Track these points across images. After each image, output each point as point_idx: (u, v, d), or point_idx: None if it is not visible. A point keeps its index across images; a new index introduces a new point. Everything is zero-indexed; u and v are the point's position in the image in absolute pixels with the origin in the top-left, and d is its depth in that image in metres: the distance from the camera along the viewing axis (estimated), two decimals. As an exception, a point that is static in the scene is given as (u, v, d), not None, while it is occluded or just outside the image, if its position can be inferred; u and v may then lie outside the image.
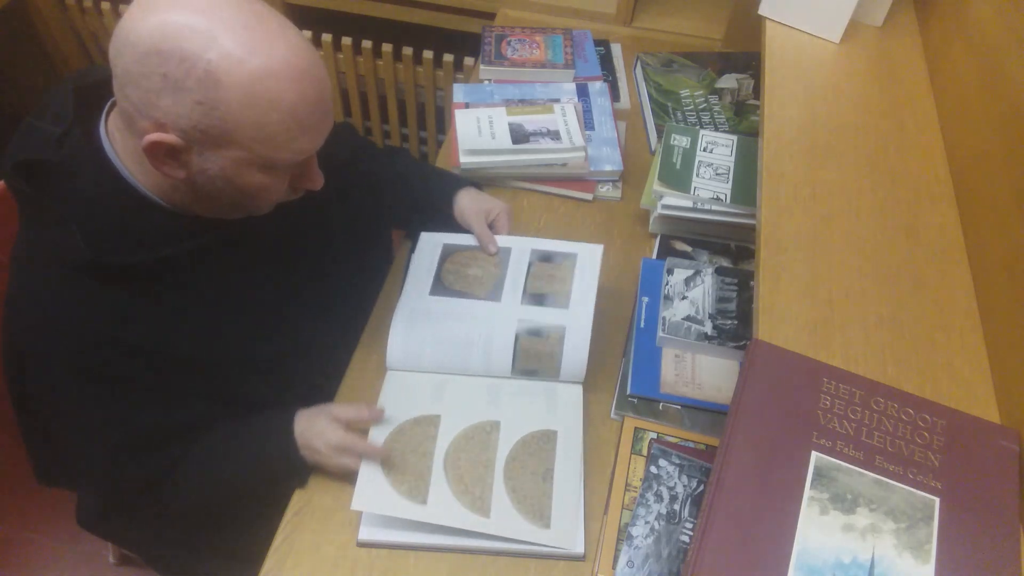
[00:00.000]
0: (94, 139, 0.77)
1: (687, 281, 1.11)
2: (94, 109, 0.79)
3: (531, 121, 1.31)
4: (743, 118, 1.38)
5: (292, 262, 0.96)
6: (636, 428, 0.98)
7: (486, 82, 1.47)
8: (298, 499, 0.92)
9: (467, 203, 1.13)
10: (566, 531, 0.89)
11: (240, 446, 0.92)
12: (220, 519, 1.02)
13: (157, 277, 0.81)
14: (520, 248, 1.12)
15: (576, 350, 1.01)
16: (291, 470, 0.92)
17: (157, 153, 0.71)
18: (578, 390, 1.02)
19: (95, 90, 0.80)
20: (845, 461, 0.65)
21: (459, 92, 1.40)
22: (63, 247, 0.75)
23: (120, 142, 0.77)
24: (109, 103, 0.79)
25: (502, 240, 1.12)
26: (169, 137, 0.69)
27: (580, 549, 0.88)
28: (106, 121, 0.78)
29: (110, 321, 0.79)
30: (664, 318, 1.07)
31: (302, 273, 0.98)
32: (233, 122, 0.69)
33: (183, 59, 0.66)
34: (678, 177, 1.18)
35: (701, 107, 1.41)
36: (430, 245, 1.14)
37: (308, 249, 0.99)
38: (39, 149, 0.76)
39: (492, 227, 1.13)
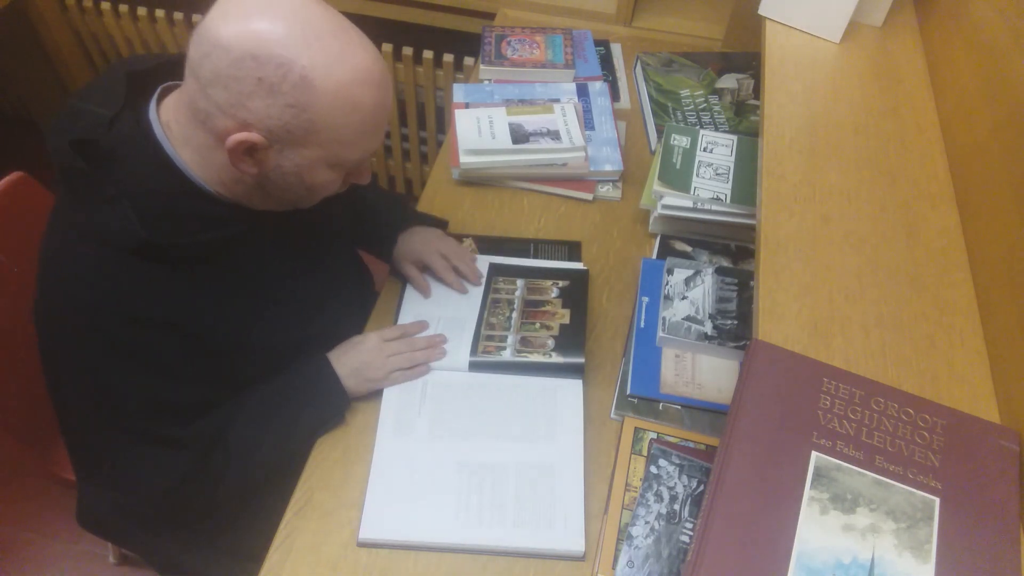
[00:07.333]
0: (144, 124, 0.79)
1: (687, 281, 1.11)
2: (143, 95, 0.81)
3: (531, 121, 1.31)
4: (743, 118, 1.38)
5: (317, 252, 1.00)
6: (636, 428, 0.98)
7: (486, 82, 1.47)
8: (298, 499, 0.92)
9: (401, 251, 1.14)
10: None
11: (285, 393, 0.96)
12: (221, 518, 1.02)
13: (198, 260, 0.83)
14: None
15: None
16: (336, 404, 0.98)
17: (238, 151, 0.75)
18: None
19: (145, 77, 0.83)
20: (845, 461, 0.65)
21: (459, 92, 1.40)
22: (116, 226, 0.77)
23: (177, 131, 0.79)
24: (160, 89, 0.82)
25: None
26: (254, 136, 0.73)
27: (580, 549, 0.88)
28: (157, 107, 0.81)
29: (151, 300, 0.81)
30: (664, 318, 1.07)
31: (328, 262, 1.02)
32: (320, 123, 0.74)
33: (280, 64, 0.70)
34: (678, 177, 1.18)
35: (701, 107, 1.41)
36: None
37: (324, 241, 1.02)
38: (91, 130, 0.78)
39: (456, 269, 1.13)
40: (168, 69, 0.84)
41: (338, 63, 0.72)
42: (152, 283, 0.80)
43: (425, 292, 1.11)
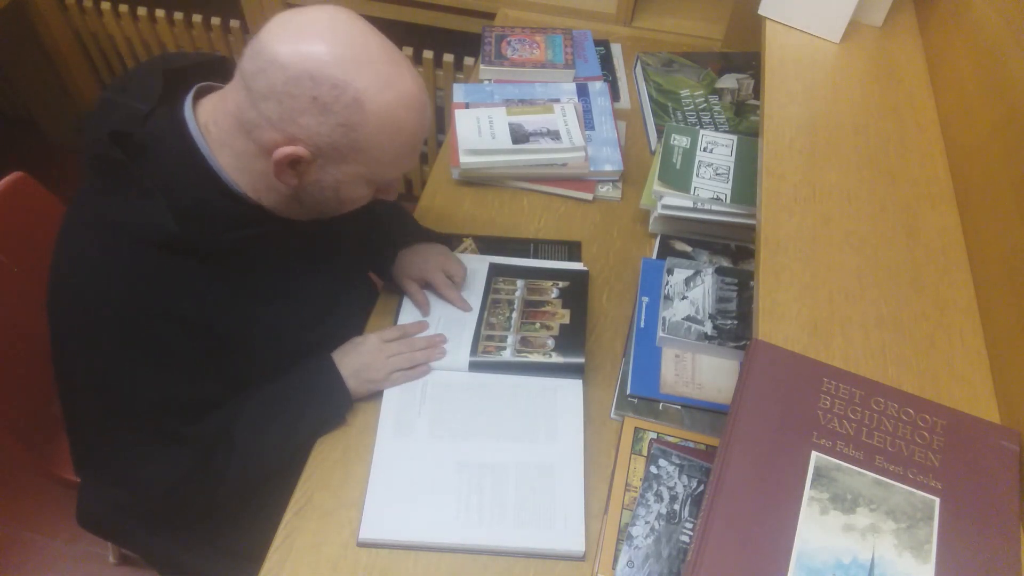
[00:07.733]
0: (178, 121, 0.80)
1: (687, 281, 1.11)
2: (177, 93, 0.82)
3: (531, 121, 1.31)
4: (743, 118, 1.38)
5: (328, 255, 1.00)
6: (636, 428, 0.98)
7: (486, 82, 1.47)
8: (298, 499, 0.92)
9: (403, 267, 1.12)
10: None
11: (287, 393, 0.96)
12: (221, 518, 1.02)
13: (219, 258, 0.84)
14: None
15: None
16: (338, 405, 0.98)
17: (283, 163, 0.77)
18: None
19: (181, 75, 0.84)
20: (845, 461, 0.65)
21: (459, 92, 1.40)
22: (148, 219, 0.78)
23: (216, 134, 0.80)
24: (195, 88, 0.83)
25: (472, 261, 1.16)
26: (301, 150, 0.76)
27: (580, 549, 0.88)
28: (193, 106, 0.81)
29: (170, 294, 0.82)
30: (664, 318, 1.07)
31: (338, 265, 1.03)
32: (365, 143, 0.77)
33: (335, 86, 0.73)
34: (678, 177, 1.18)
35: (701, 107, 1.41)
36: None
37: (336, 245, 1.02)
38: (126, 123, 0.79)
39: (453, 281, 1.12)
40: (204, 69, 0.85)
41: (387, 87, 0.75)
42: (172, 278, 0.81)
43: (424, 309, 1.10)
